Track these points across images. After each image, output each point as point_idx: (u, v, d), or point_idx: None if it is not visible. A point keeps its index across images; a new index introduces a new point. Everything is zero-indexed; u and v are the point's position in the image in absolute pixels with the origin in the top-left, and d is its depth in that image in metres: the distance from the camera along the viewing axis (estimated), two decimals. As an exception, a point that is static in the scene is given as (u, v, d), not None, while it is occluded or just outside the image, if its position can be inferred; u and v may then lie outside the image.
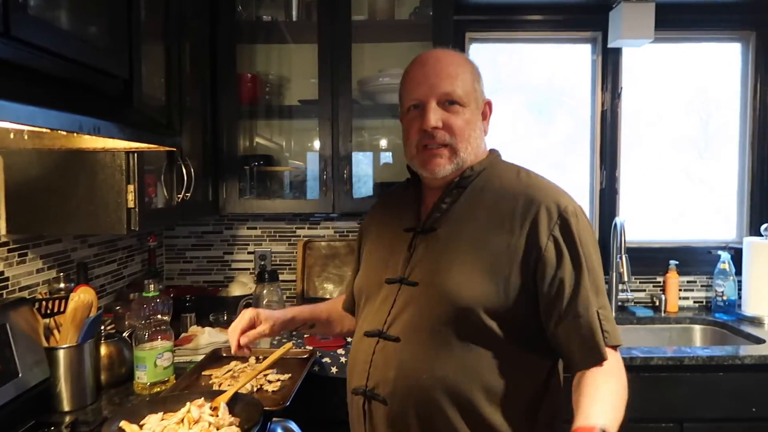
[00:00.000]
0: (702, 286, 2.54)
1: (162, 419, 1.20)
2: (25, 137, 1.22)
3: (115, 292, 2.07)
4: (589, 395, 1.02)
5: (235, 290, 2.32)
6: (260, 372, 1.47)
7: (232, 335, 1.29)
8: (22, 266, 1.59)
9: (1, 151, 1.45)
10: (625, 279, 2.34)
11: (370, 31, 2.24)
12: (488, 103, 1.25)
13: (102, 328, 1.61)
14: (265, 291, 1.99)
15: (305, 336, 2.01)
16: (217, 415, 1.20)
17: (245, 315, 1.31)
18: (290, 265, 2.51)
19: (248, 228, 2.51)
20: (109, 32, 1.09)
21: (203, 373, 1.61)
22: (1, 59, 0.82)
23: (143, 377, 1.55)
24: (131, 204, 1.46)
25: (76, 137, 1.20)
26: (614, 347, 1.09)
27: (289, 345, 1.55)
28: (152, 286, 1.61)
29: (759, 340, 2.06)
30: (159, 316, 1.61)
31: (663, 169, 2.63)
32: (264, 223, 2.51)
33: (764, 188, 2.53)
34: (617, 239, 2.37)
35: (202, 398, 1.26)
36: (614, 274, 2.38)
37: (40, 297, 1.54)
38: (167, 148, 1.42)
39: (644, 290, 2.54)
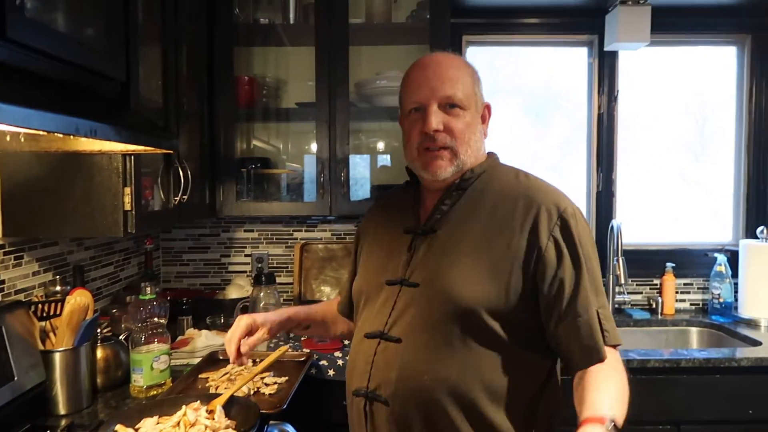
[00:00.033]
0: (698, 288, 2.54)
1: (158, 422, 1.19)
2: (22, 140, 1.21)
3: (111, 295, 2.07)
4: (594, 389, 1.03)
5: (232, 293, 2.32)
6: (256, 375, 1.46)
7: (229, 345, 1.28)
8: (18, 269, 1.58)
9: (-3, 154, 1.45)
10: (622, 281, 2.35)
11: (367, 34, 2.25)
12: (487, 107, 1.26)
13: (98, 331, 1.61)
14: (262, 294, 1.99)
15: (302, 339, 2.00)
16: (213, 418, 1.20)
17: (241, 322, 1.29)
18: (287, 267, 2.50)
19: (245, 230, 2.51)
20: (106, 34, 1.09)
21: (200, 376, 1.61)
22: (-3, 61, 0.82)
23: (140, 380, 1.54)
24: (128, 206, 1.45)
25: (73, 140, 1.19)
26: (614, 346, 1.10)
27: (284, 348, 1.55)
28: (149, 288, 1.60)
29: (755, 342, 2.06)
30: (155, 319, 1.60)
31: (659, 172, 2.64)
32: (261, 226, 2.50)
33: (760, 191, 2.54)
34: (614, 242, 2.37)
35: (198, 401, 1.25)
36: (611, 276, 2.39)
37: (36, 300, 1.54)
38: (164, 151, 1.41)
39: (641, 293, 2.54)
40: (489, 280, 1.10)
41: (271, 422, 1.38)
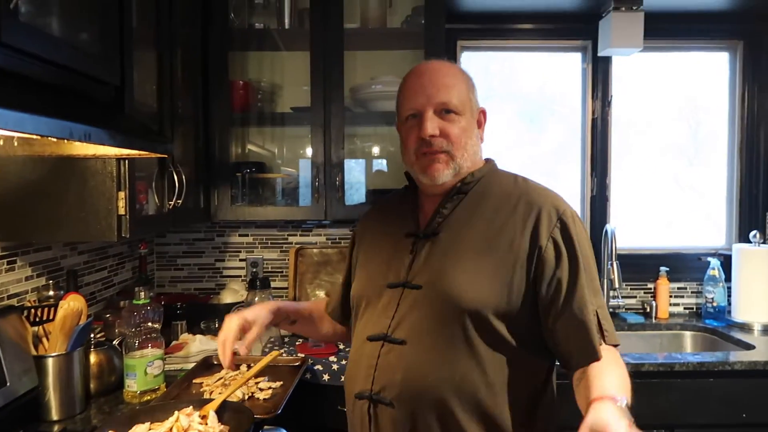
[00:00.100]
0: (692, 292, 2.56)
1: (149, 429, 1.19)
2: (15, 144, 1.21)
3: (105, 300, 2.06)
4: (600, 377, 1.05)
5: (227, 297, 2.31)
6: (248, 379, 1.46)
7: (223, 349, 1.26)
8: (11, 274, 1.57)
9: (-10, 158, 1.44)
10: (616, 286, 2.35)
11: (362, 39, 2.25)
12: (483, 112, 1.29)
13: (92, 336, 1.60)
14: (256, 298, 1.98)
15: (297, 344, 2.00)
16: (207, 424, 1.20)
17: (232, 324, 1.28)
18: (282, 272, 2.50)
19: (240, 235, 2.50)
20: (101, 39, 1.09)
21: (194, 381, 1.60)
22: (-9, 66, 0.82)
23: (133, 385, 1.54)
24: (122, 211, 1.45)
25: (67, 144, 1.19)
26: (614, 346, 1.12)
27: (276, 352, 1.55)
28: (143, 293, 1.60)
29: (749, 346, 2.07)
30: (149, 324, 1.60)
31: (653, 177, 2.66)
32: (256, 230, 2.50)
33: (753, 195, 2.56)
34: (608, 246, 2.38)
35: (191, 407, 1.25)
36: (605, 280, 2.40)
37: (29, 305, 1.53)
38: (159, 155, 1.41)
39: (635, 297, 2.55)
40: (492, 281, 1.12)
41: (265, 427, 1.38)
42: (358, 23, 2.24)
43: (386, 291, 1.21)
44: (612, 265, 2.35)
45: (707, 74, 2.63)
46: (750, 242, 2.36)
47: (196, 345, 1.91)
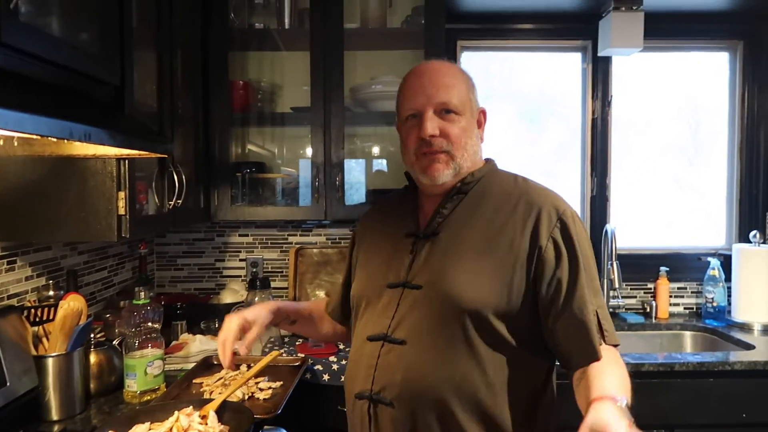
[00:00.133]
0: (692, 292, 2.56)
1: (149, 429, 1.19)
2: (15, 144, 1.21)
3: (105, 300, 2.06)
4: (600, 377, 1.05)
5: (227, 298, 2.31)
6: (248, 379, 1.46)
7: (223, 349, 1.26)
8: (11, 274, 1.57)
9: (-10, 158, 1.44)
10: (616, 286, 2.35)
11: (362, 39, 2.25)
12: (483, 112, 1.29)
13: (92, 336, 1.60)
14: (256, 298, 1.98)
15: (297, 344, 2.00)
16: (206, 424, 1.20)
17: (232, 324, 1.28)
18: (282, 272, 2.50)
19: (240, 235, 2.50)
20: (101, 39, 1.09)
21: (194, 381, 1.60)
22: (-9, 66, 0.82)
23: (133, 385, 1.54)
24: (122, 211, 1.45)
25: (67, 144, 1.19)
26: (614, 346, 1.13)
27: (276, 353, 1.55)
28: (143, 293, 1.60)
29: (749, 346, 2.07)
30: (149, 324, 1.60)
31: (654, 176, 2.66)
32: (256, 230, 2.50)
33: (753, 195, 2.56)
34: (608, 246, 2.38)
35: (191, 407, 1.25)
36: (605, 280, 2.40)
37: (29, 305, 1.53)
38: (159, 155, 1.41)
39: (635, 297, 2.55)
40: (492, 281, 1.12)
41: (265, 427, 1.38)
42: (358, 23, 2.24)
43: (386, 291, 1.21)
44: (612, 265, 2.35)
45: (707, 74, 2.63)
46: (750, 242, 2.36)
47: (196, 345, 1.91)
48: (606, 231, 2.41)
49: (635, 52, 2.36)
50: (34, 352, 1.43)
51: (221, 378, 1.60)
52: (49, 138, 0.88)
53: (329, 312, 1.46)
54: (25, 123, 0.80)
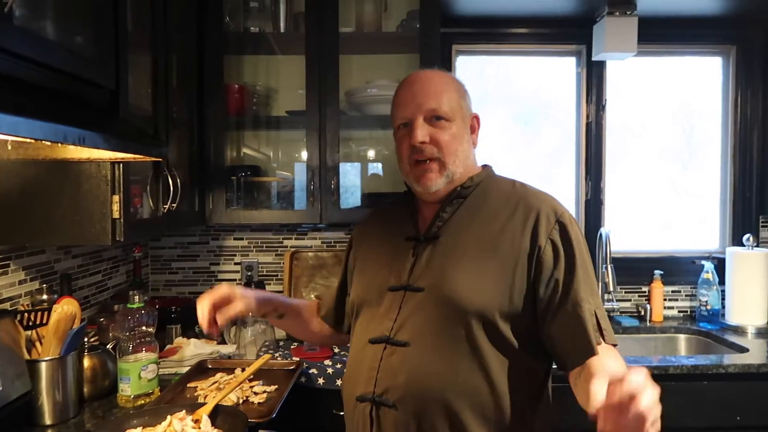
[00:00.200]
0: (686, 295, 2.57)
1: (144, 432, 1.18)
2: (9, 147, 1.21)
3: (99, 304, 2.05)
4: (600, 361, 1.06)
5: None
6: (240, 382, 1.46)
7: (202, 307, 1.23)
8: (4, 277, 1.57)
9: (-16, 161, 1.44)
10: (611, 289, 2.36)
11: (357, 43, 2.26)
12: (476, 117, 1.31)
13: (85, 340, 1.60)
14: (251, 302, 1.98)
15: (292, 347, 2.00)
16: (200, 428, 1.19)
17: (220, 289, 1.27)
18: (277, 275, 2.50)
19: (235, 239, 2.50)
20: (96, 42, 1.09)
21: (188, 385, 1.60)
22: (-15, 69, 0.82)
23: (127, 390, 1.53)
24: (116, 214, 1.45)
25: (61, 147, 1.19)
26: (613, 346, 1.13)
27: (267, 356, 1.55)
28: (137, 297, 1.59)
29: (742, 349, 2.08)
30: (144, 328, 1.59)
31: (648, 180, 2.67)
32: (251, 234, 2.50)
33: (746, 199, 2.57)
34: (603, 249, 2.39)
35: (184, 411, 1.24)
36: (600, 284, 2.40)
37: (23, 309, 1.52)
38: (153, 159, 1.41)
39: (630, 300, 2.56)
40: (494, 282, 1.14)
41: (260, 431, 1.38)
42: (354, 27, 2.24)
43: (388, 294, 1.22)
44: (606, 268, 2.36)
45: (701, 79, 2.65)
46: (743, 246, 2.37)
47: (191, 349, 1.90)
48: (600, 234, 2.42)
49: (629, 56, 2.37)
50: (27, 356, 1.43)
51: (216, 382, 1.60)
52: (43, 141, 0.88)
53: (322, 315, 1.46)
54: (18, 127, 0.80)
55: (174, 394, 1.54)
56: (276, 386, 1.59)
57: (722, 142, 2.63)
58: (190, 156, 2.03)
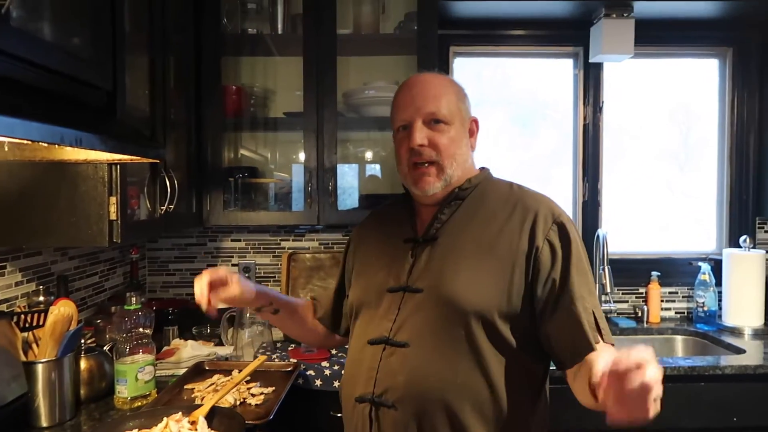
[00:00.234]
0: (683, 297, 2.57)
1: (140, 435, 1.18)
2: (6, 149, 1.20)
3: (96, 305, 2.05)
4: (600, 355, 1.05)
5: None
6: (236, 384, 1.46)
7: (201, 285, 1.23)
8: (1, 279, 1.56)
9: (-20, 163, 1.43)
10: (608, 290, 2.37)
11: (355, 45, 2.26)
12: (475, 121, 1.32)
13: (82, 341, 1.59)
14: (249, 303, 1.98)
15: (289, 349, 1.99)
16: (196, 430, 1.19)
17: (219, 270, 1.27)
18: (275, 277, 2.49)
19: (232, 240, 2.49)
20: (93, 44, 1.09)
21: (185, 386, 1.60)
22: (-18, 71, 0.82)
23: (124, 391, 1.53)
24: (113, 216, 1.44)
25: (58, 149, 1.19)
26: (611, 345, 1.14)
27: (263, 357, 1.55)
28: (134, 298, 1.59)
29: (739, 350, 2.09)
30: (141, 330, 1.59)
31: (645, 182, 2.67)
32: (248, 235, 2.49)
33: (742, 200, 2.58)
34: (600, 251, 2.39)
35: (180, 412, 1.24)
36: (597, 285, 2.40)
37: (19, 310, 1.52)
38: (151, 160, 1.41)
39: (627, 301, 2.57)
40: (493, 282, 1.14)
41: (257, 433, 1.37)
42: (351, 29, 2.24)
43: (386, 295, 1.22)
44: (604, 269, 2.36)
45: (697, 80, 2.65)
46: (740, 247, 2.38)
47: (188, 350, 1.90)
48: (598, 236, 2.43)
49: (626, 58, 2.38)
50: (23, 358, 1.42)
51: (213, 384, 1.59)
52: (40, 143, 0.88)
53: (319, 317, 1.46)
54: (15, 128, 0.80)
55: (171, 395, 1.54)
56: (273, 388, 1.58)
57: (719, 144, 2.64)
58: (187, 157, 2.03)
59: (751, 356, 2.01)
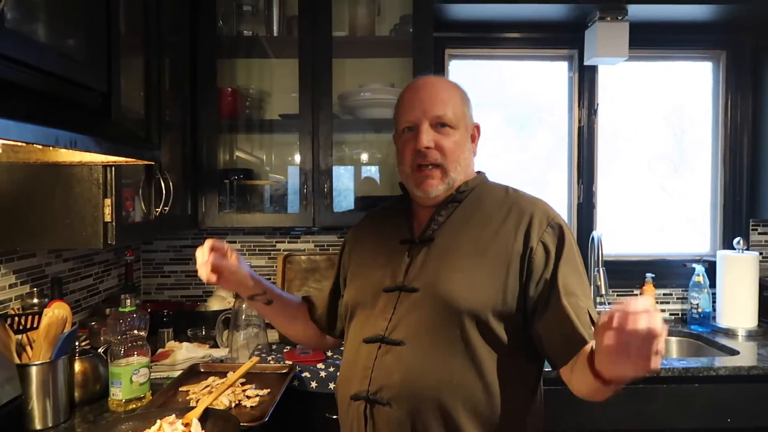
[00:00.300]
0: (678, 298, 2.58)
1: (134, 437, 1.18)
2: (0, 150, 1.20)
3: (90, 308, 2.04)
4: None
5: (214, 305, 2.30)
6: (229, 385, 1.46)
7: (203, 251, 1.23)
8: (-5, 281, 1.56)
9: (-26, 164, 1.43)
10: (603, 292, 2.37)
11: (350, 47, 2.26)
12: (477, 127, 1.34)
13: (76, 343, 1.58)
14: (244, 305, 1.98)
15: (285, 351, 1.99)
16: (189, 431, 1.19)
17: (222, 242, 1.27)
18: (270, 279, 2.48)
19: (228, 242, 2.47)
20: (88, 45, 1.09)
21: (180, 389, 1.59)
22: (-24, 72, 0.82)
23: (118, 394, 1.52)
24: (108, 218, 1.44)
25: (53, 151, 1.18)
26: None
27: (255, 359, 1.56)
28: (129, 300, 1.59)
29: (733, 352, 2.09)
30: (135, 332, 1.58)
31: (640, 184, 2.69)
32: (244, 237, 2.49)
33: (736, 202, 2.59)
34: (595, 253, 2.40)
35: (174, 415, 1.24)
36: (592, 287, 2.41)
37: (13, 312, 1.51)
38: (146, 162, 1.41)
39: (621, 303, 2.57)
40: (488, 283, 1.15)
41: (252, 435, 1.37)
42: (347, 31, 2.25)
43: (382, 295, 1.23)
44: (599, 271, 2.37)
45: (691, 83, 2.67)
46: (734, 249, 2.39)
47: (183, 353, 1.89)
48: (592, 238, 2.43)
49: (620, 61, 2.39)
50: (17, 361, 1.41)
51: (208, 386, 1.59)
52: (35, 145, 0.88)
53: (315, 318, 1.46)
54: (9, 130, 0.80)
55: (166, 398, 1.53)
56: (268, 390, 1.58)
57: (713, 146, 2.65)
58: (182, 159, 2.03)
59: (744, 357, 2.02)
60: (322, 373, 1.79)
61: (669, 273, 2.56)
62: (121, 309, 1.58)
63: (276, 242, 2.50)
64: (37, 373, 1.41)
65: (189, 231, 2.43)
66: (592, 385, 1.00)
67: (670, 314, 2.58)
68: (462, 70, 2.62)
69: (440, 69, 2.48)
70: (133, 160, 1.31)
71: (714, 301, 2.45)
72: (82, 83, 1.07)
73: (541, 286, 1.15)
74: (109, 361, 1.55)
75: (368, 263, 1.32)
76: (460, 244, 1.21)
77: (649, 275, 2.50)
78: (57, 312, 1.44)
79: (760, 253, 2.43)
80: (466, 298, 1.14)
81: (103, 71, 1.14)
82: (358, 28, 2.24)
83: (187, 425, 1.21)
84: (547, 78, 2.66)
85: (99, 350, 1.66)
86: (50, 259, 1.80)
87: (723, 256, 2.40)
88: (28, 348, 1.46)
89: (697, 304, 2.43)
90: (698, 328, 2.40)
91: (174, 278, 2.48)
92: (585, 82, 2.57)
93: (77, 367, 1.55)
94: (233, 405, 1.48)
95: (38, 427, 1.41)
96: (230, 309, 2.08)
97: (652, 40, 2.50)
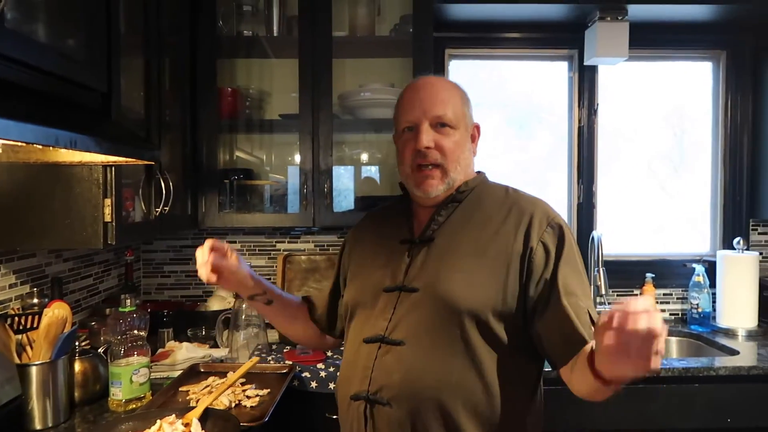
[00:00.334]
0: (678, 298, 2.58)
1: (134, 437, 1.18)
2: (0, 150, 1.20)
3: (90, 308, 2.04)
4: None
5: (214, 305, 2.30)
6: (229, 385, 1.46)
7: (203, 250, 1.23)
8: (-5, 281, 1.56)
9: (-26, 164, 1.43)
10: (603, 292, 2.37)
11: (350, 47, 2.26)
12: (477, 127, 1.34)
13: (76, 343, 1.58)
14: (244, 305, 1.98)
15: (285, 351, 1.99)
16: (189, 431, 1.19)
17: (222, 242, 1.27)
18: (270, 279, 2.48)
19: (228, 242, 2.47)
20: (88, 45, 1.09)
21: (180, 389, 1.59)
22: (-24, 72, 0.82)
23: (118, 394, 1.52)
24: (108, 218, 1.44)
25: (53, 151, 1.18)
26: None
27: (255, 359, 1.56)
28: (128, 300, 1.59)
29: (733, 352, 2.10)
30: (135, 332, 1.58)
31: (640, 184, 2.69)
32: (244, 237, 2.49)
33: (736, 202, 2.59)
34: (595, 253, 2.40)
35: (173, 415, 1.24)
36: (592, 287, 2.41)
37: (13, 312, 1.51)
38: (146, 162, 1.41)
39: (621, 303, 2.56)
40: (488, 282, 1.15)
41: (252, 435, 1.37)
42: (347, 31, 2.25)
43: (383, 295, 1.23)
44: (599, 271, 2.37)
45: (691, 83, 2.67)
46: (734, 249, 2.39)
47: (183, 353, 1.89)
48: (592, 238, 2.43)
49: (620, 61, 2.39)
50: (17, 361, 1.41)
51: (208, 386, 1.59)
52: (35, 145, 0.88)
53: (315, 318, 1.46)
54: (10, 130, 0.80)
55: (166, 398, 1.53)
56: (268, 390, 1.58)
57: (713, 146, 2.65)
58: (182, 159, 2.03)
59: (744, 357, 2.02)
60: (322, 373, 1.79)
61: (669, 273, 2.56)
62: (121, 309, 1.58)
63: (276, 242, 2.50)
64: (37, 373, 1.41)
65: (189, 231, 2.43)
66: (592, 385, 1.00)
67: (670, 314, 2.58)
68: (462, 70, 2.62)
69: (440, 69, 2.48)
70: (133, 160, 1.31)
71: (714, 301, 2.45)
72: (82, 83, 1.07)
73: (541, 286, 1.15)
74: (109, 361, 1.55)
75: (368, 263, 1.32)
76: (460, 244, 1.21)
77: (649, 275, 2.50)
78: (57, 312, 1.44)
79: (760, 253, 2.43)
80: (466, 298, 1.14)
81: (103, 71, 1.15)
82: (358, 28, 2.24)
83: (187, 425, 1.21)
84: (547, 78, 2.66)
85: (99, 350, 1.66)
86: (50, 259, 1.80)
87: (723, 256, 2.40)
88: (28, 348, 1.46)
89: (697, 304, 2.43)
90: (698, 328, 2.40)
91: (174, 278, 2.48)
92: (585, 82, 2.57)
93: (77, 367, 1.56)
94: (233, 405, 1.48)
95: (38, 427, 1.41)
96: (230, 309, 2.08)
97: (652, 40, 2.51)
